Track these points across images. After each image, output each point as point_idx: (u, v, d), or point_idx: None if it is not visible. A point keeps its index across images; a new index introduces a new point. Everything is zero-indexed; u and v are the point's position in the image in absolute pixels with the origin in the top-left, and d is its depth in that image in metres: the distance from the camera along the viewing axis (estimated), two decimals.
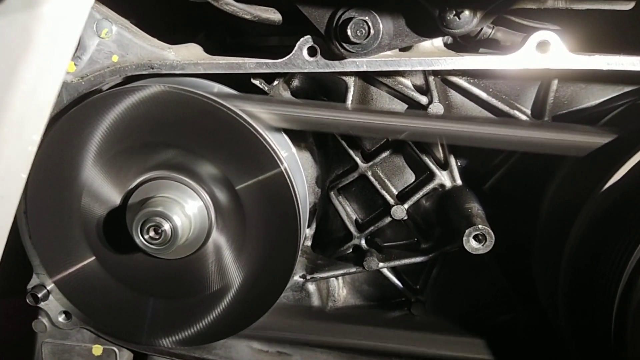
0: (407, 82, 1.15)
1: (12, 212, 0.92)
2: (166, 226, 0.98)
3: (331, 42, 1.00)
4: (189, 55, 1.08)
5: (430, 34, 1.00)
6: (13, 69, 0.81)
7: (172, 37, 1.20)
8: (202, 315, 1.11)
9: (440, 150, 1.21)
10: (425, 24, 0.99)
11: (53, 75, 0.86)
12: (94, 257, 1.10)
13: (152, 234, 0.99)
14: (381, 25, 0.98)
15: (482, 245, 1.08)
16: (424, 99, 1.14)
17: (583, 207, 0.98)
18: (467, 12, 0.94)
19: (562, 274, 1.01)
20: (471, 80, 1.16)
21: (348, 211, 1.28)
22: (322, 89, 1.19)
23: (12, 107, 0.83)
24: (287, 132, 1.17)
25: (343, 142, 1.21)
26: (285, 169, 1.03)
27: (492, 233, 1.07)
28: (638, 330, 0.90)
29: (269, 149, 1.02)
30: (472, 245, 1.08)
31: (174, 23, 1.28)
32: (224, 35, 1.31)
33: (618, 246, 0.92)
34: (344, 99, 1.16)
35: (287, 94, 1.18)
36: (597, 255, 0.95)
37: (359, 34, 0.97)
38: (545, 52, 0.99)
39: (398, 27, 0.99)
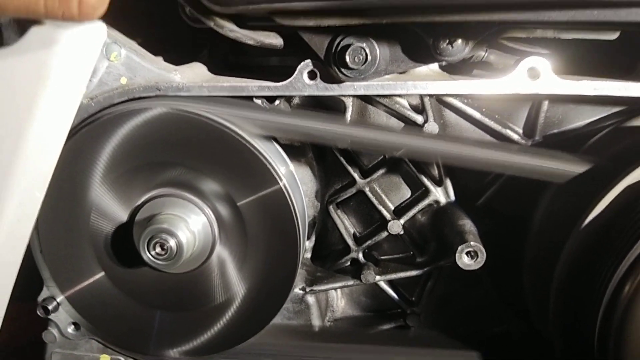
0: (403, 101, 1.18)
1: (29, 231, 0.97)
2: (171, 242, 1.01)
3: (330, 67, 1.03)
4: (193, 76, 1.11)
5: (425, 60, 1.04)
6: (31, 102, 0.86)
7: (176, 52, 1.24)
8: (207, 326, 1.15)
9: (436, 168, 1.24)
10: (420, 51, 1.02)
11: (68, 106, 0.91)
12: (103, 273, 1.13)
13: (158, 250, 1.02)
14: (378, 52, 1.01)
15: (474, 262, 1.11)
16: (419, 118, 1.17)
17: (567, 239, 1.03)
18: (459, 41, 0.97)
19: (552, 296, 1.06)
20: (465, 100, 1.18)
21: (346, 225, 1.31)
22: (321, 107, 1.21)
23: (29, 138, 0.88)
24: (287, 147, 1.21)
25: (341, 159, 1.24)
26: (284, 185, 1.06)
27: (483, 250, 1.10)
28: (618, 349, 0.94)
29: (268, 166, 1.05)
30: (464, 261, 1.11)
31: (178, 39, 1.31)
32: (227, 53, 1.35)
33: (599, 275, 0.96)
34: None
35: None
36: (582, 281, 1.00)
37: (356, 60, 1.00)
38: (535, 78, 1.03)
39: (394, 53, 1.02)
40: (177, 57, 1.21)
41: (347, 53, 1.00)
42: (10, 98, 0.87)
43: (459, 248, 1.11)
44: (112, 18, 0.99)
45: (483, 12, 0.90)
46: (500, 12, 0.90)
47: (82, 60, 0.94)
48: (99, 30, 0.97)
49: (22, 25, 0.87)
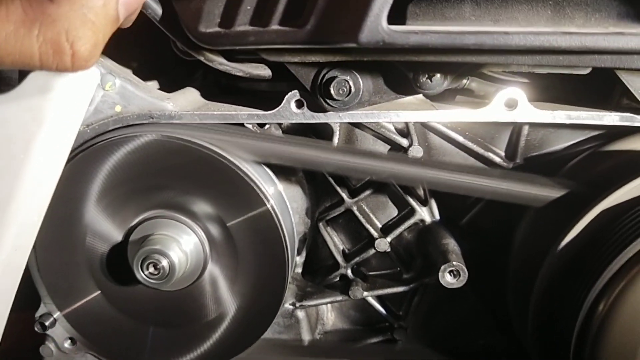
0: (389, 125, 1.22)
1: (26, 258, 1.01)
2: (164, 262, 1.05)
3: (316, 97, 1.06)
4: (186, 103, 1.15)
5: (406, 92, 1.07)
6: (28, 144, 0.91)
7: (172, 74, 1.27)
8: (200, 342, 1.18)
9: (421, 188, 1.28)
10: (402, 83, 1.06)
11: (63, 143, 0.96)
12: (99, 292, 1.17)
13: (151, 269, 1.06)
14: (361, 84, 1.04)
15: (457, 280, 1.15)
16: (404, 142, 1.21)
17: (545, 260, 1.07)
18: (438, 76, 1.01)
19: (531, 313, 1.09)
20: (448, 125, 1.23)
21: (335, 242, 1.35)
22: (310, 130, 1.26)
23: (27, 173, 0.93)
24: (278, 166, 1.24)
25: (330, 179, 1.28)
26: (272, 206, 1.10)
27: (465, 269, 1.14)
28: None
29: (256, 188, 1.09)
30: (447, 280, 1.15)
31: (173, 63, 1.35)
32: (220, 76, 1.38)
33: (575, 294, 1.00)
34: (331, 140, 1.24)
35: (278, 133, 1.25)
36: (559, 300, 1.04)
37: (340, 92, 1.03)
38: (512, 108, 1.06)
39: (377, 85, 1.06)
40: (172, 80, 1.24)
41: (331, 85, 1.04)
42: (9, 139, 0.92)
43: (442, 267, 1.15)
44: (106, 47, 1.03)
45: (456, 55, 0.94)
46: (472, 55, 0.94)
47: (76, 103, 0.99)
48: (91, 76, 1.02)
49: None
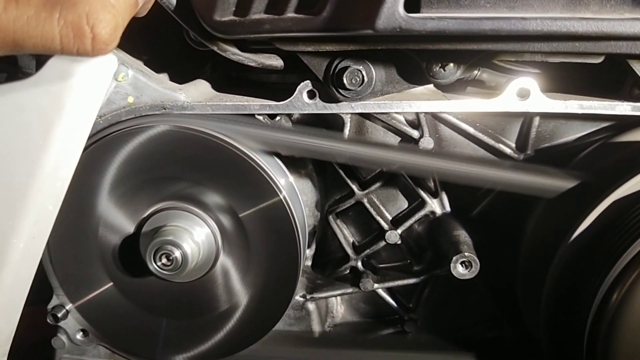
0: (400, 117, 1.22)
1: (43, 246, 1.02)
2: (177, 253, 1.05)
3: (328, 87, 1.07)
4: (197, 94, 1.15)
5: (419, 82, 1.08)
6: (48, 129, 0.91)
7: (181, 66, 1.27)
8: (212, 333, 1.19)
9: (432, 180, 1.27)
10: (414, 73, 1.06)
11: (81, 130, 0.96)
12: (111, 283, 1.17)
13: (164, 260, 1.06)
14: (374, 74, 1.05)
15: (469, 271, 1.15)
16: (415, 133, 1.21)
17: (557, 251, 1.07)
18: (451, 65, 1.01)
19: (543, 304, 1.09)
20: (459, 116, 1.22)
21: (345, 234, 1.35)
22: (321, 121, 1.25)
23: (45, 160, 0.94)
24: (288, 159, 1.25)
25: (340, 171, 1.27)
26: (284, 197, 1.11)
27: (477, 260, 1.14)
28: (606, 354, 0.99)
29: (268, 179, 1.10)
30: (459, 271, 1.15)
31: (183, 54, 1.35)
32: (230, 69, 1.39)
33: (588, 285, 1.01)
34: (341, 131, 1.24)
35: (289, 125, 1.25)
36: (572, 290, 1.04)
37: (353, 82, 1.04)
38: (524, 98, 1.06)
39: (389, 75, 1.06)
40: (179, 73, 1.24)
41: (344, 75, 1.04)
42: (29, 125, 0.93)
43: (454, 258, 1.15)
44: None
45: (471, 42, 0.95)
46: (487, 43, 0.94)
47: (94, 90, 0.99)
48: (110, 62, 1.02)
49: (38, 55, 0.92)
